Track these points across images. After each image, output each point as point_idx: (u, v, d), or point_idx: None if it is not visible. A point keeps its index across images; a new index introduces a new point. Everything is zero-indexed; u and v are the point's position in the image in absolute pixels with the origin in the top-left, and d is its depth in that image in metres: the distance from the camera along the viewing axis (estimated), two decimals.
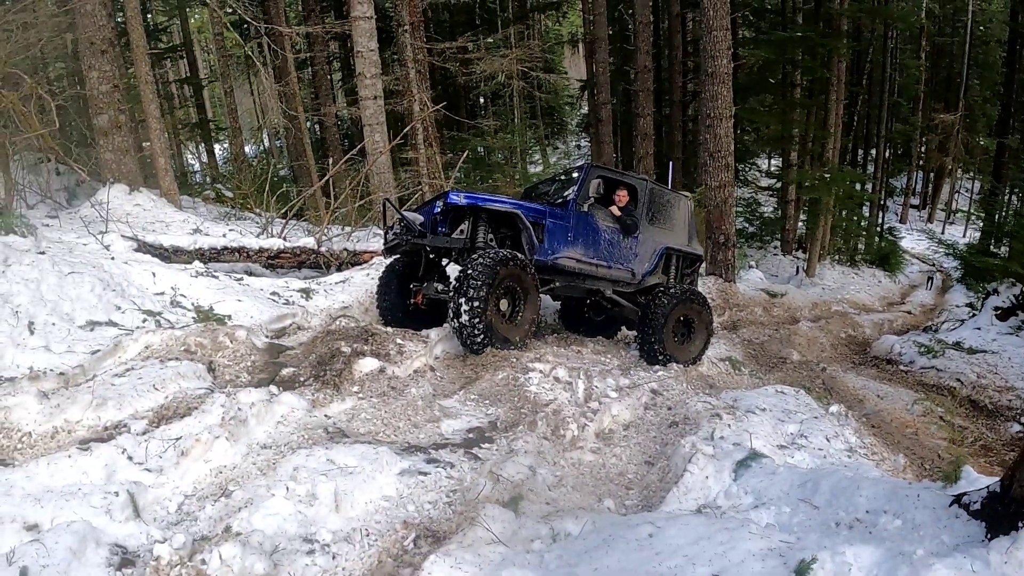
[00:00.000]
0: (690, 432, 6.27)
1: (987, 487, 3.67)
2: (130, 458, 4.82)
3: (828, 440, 6.42)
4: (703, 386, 8.79)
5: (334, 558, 4.02)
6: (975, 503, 3.65)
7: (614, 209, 10.09)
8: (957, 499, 3.77)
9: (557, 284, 9.69)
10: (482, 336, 8.05)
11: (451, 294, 8.55)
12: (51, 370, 6.46)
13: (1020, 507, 3.32)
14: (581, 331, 11.51)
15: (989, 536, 3.42)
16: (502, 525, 4.34)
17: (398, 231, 9.25)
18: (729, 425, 6.24)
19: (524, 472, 5.18)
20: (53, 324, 7.29)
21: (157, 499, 4.53)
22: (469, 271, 8.01)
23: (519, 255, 8.53)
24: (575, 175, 10.21)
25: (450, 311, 8.13)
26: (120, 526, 4.16)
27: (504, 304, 8.56)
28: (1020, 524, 3.25)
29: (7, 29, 12.63)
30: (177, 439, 5.06)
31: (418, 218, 9.11)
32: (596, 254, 9.87)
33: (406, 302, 9.68)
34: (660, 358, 9.49)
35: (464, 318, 7.91)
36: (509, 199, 9.49)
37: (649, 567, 3.65)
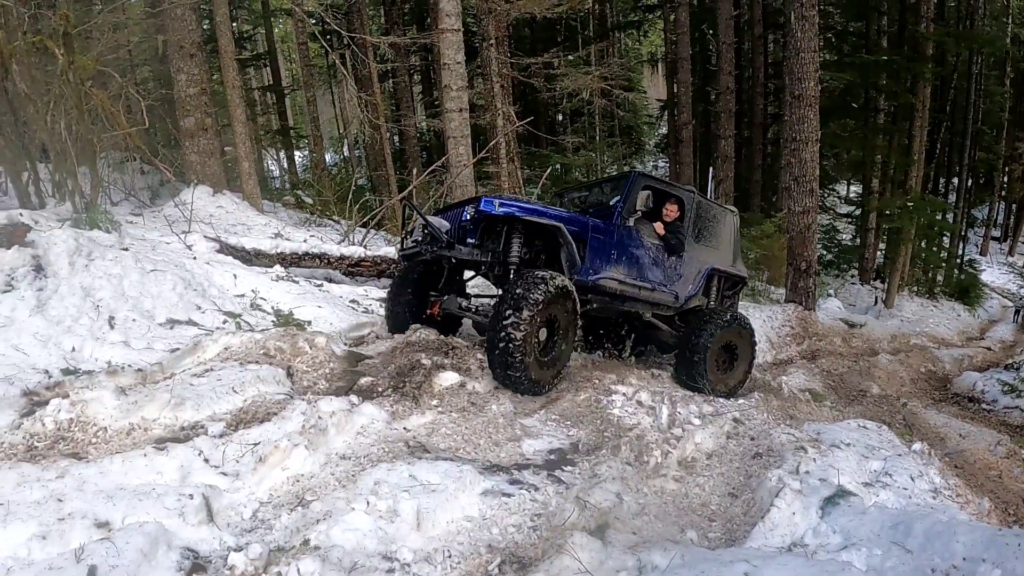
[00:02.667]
0: (774, 465, 6.09)
1: None
2: (206, 461, 4.76)
3: (913, 479, 6.18)
4: (784, 416, 8.53)
5: None
6: None
7: (658, 227, 9.22)
8: None
9: (593, 306, 8.79)
10: (518, 373, 7.20)
11: (478, 313, 8.25)
12: (129, 366, 6.51)
13: None
14: (600, 352, 10.44)
15: None
16: (589, 554, 4.16)
17: (419, 238, 8.45)
18: (814, 459, 6.03)
19: (611, 499, 5.00)
20: (133, 320, 7.35)
21: (232, 504, 4.45)
22: (515, 293, 7.22)
23: (565, 278, 7.79)
24: (618, 182, 9.42)
25: (487, 339, 7.39)
26: (193, 530, 4.07)
27: (542, 334, 7.66)
28: None
29: (99, 29, 12.86)
30: (255, 444, 4.99)
31: (444, 224, 8.23)
32: (640, 275, 9.00)
33: (419, 310, 8.91)
34: (700, 387, 8.98)
35: (501, 349, 7.11)
36: (550, 209, 8.53)
37: None
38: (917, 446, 7.02)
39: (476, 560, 4.14)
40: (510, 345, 7.06)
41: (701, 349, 9.02)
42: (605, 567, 4.11)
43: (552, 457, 5.98)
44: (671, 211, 9.39)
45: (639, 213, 8.91)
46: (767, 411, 8.49)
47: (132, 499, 4.13)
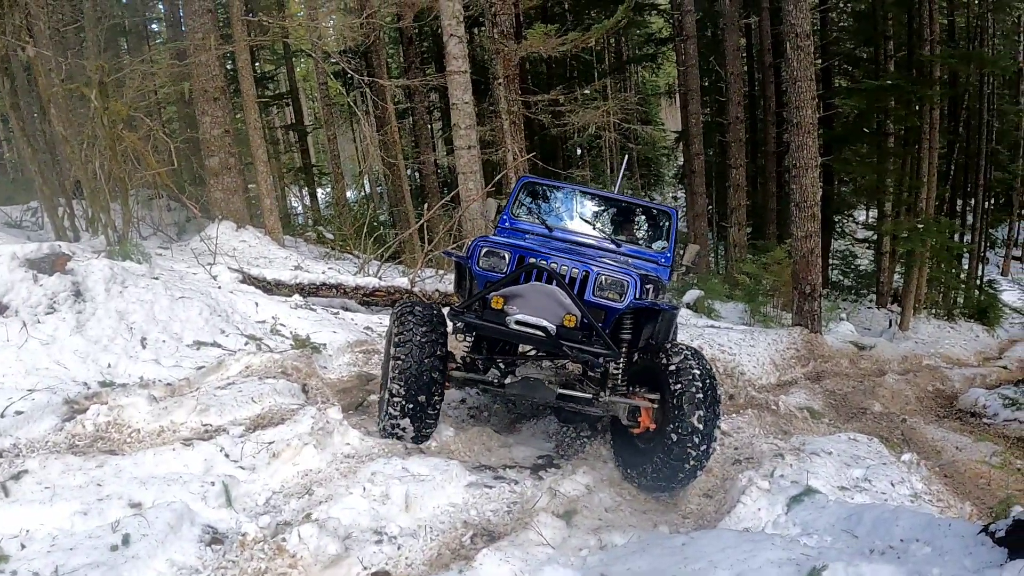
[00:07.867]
0: (750, 468, 6.39)
1: (1014, 516, 3.81)
2: (227, 456, 5.36)
3: (893, 485, 6.28)
4: (777, 431, 8.72)
5: (399, 548, 4.48)
6: (1000, 531, 3.78)
7: None
8: (985, 528, 3.91)
9: None
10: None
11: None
12: (159, 380, 7.09)
13: None
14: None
15: (1009, 560, 3.57)
16: (553, 531, 4.76)
17: (521, 319, 5.60)
18: (791, 465, 6.28)
19: (580, 490, 5.60)
20: (163, 341, 7.95)
21: (248, 492, 5.04)
22: (698, 375, 5.57)
23: None
24: (650, 215, 8.02)
25: (669, 449, 5.53)
26: (213, 511, 4.67)
27: None
28: None
29: (130, 76, 13.68)
30: (270, 443, 5.58)
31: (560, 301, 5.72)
32: None
33: (437, 384, 5.93)
34: None
35: (696, 454, 5.54)
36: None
37: (675, 569, 4.01)
38: (906, 456, 7.15)
39: (453, 533, 4.75)
40: (708, 448, 5.62)
41: None
42: (568, 544, 4.69)
43: (539, 461, 6.51)
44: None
45: (684, 269, 7.92)
46: (759, 426, 8.63)
47: (162, 484, 4.75)
